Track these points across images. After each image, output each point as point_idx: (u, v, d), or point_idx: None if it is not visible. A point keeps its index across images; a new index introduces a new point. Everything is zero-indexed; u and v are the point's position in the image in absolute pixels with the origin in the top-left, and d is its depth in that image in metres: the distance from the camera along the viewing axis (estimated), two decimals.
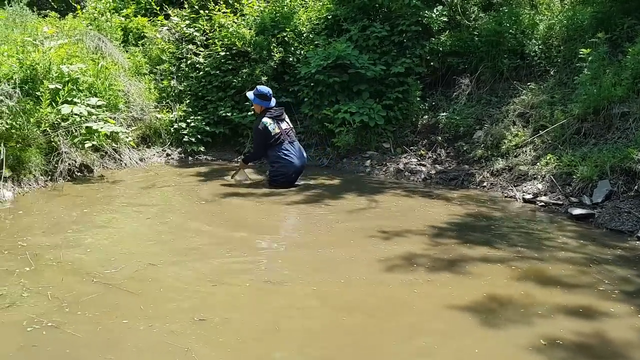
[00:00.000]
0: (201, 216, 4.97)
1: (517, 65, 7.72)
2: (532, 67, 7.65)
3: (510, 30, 7.66)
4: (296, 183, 6.30)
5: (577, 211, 5.18)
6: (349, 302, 3.22)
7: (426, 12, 7.86)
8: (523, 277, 3.65)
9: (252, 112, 7.24)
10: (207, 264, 3.74)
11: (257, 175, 6.80)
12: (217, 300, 3.20)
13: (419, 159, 7.30)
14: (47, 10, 8.91)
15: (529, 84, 7.34)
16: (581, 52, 6.46)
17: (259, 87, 6.50)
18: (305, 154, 6.54)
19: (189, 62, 8.57)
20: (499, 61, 7.70)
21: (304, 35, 8.51)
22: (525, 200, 5.76)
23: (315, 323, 2.95)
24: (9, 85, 5.55)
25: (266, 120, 6.22)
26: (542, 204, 5.60)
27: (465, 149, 7.09)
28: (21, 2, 7.73)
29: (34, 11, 8.25)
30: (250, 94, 6.47)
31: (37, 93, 5.80)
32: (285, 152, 6.20)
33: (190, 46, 8.71)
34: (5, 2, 7.70)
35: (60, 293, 3.12)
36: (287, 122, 6.45)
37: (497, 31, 7.67)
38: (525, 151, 6.45)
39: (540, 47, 7.66)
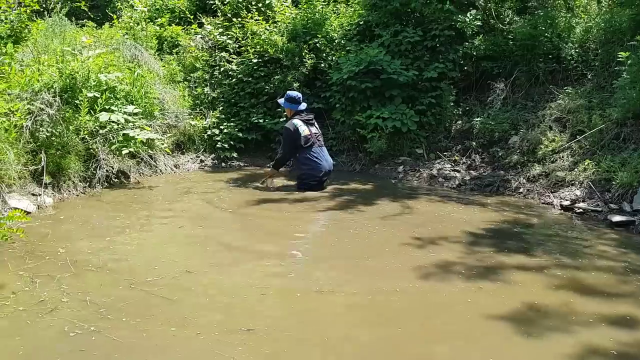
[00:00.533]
0: (235, 223, 5.02)
1: (553, 69, 7.59)
2: (569, 71, 7.50)
3: (546, 34, 7.53)
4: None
5: (617, 218, 5.05)
6: (394, 311, 3.19)
7: (459, 16, 7.79)
8: (562, 286, 3.58)
9: (284, 118, 7.29)
10: (246, 271, 3.75)
11: (286, 181, 6.82)
12: (266, 309, 3.19)
13: (453, 164, 7.22)
14: (85, 20, 9.12)
15: (565, 88, 7.19)
16: (620, 56, 6.30)
17: (289, 92, 6.66)
18: (331, 160, 6.60)
19: (222, 69, 8.69)
20: (535, 65, 7.58)
21: (336, 41, 8.54)
22: (562, 207, 5.64)
23: (364, 332, 2.93)
24: (49, 94, 5.69)
25: (296, 121, 6.30)
26: (580, 210, 5.48)
27: (500, 154, 6.99)
28: (60, 13, 7.93)
29: (72, 21, 8.46)
30: (281, 100, 6.62)
31: (76, 101, 5.93)
32: (315, 154, 6.26)
33: (223, 54, 8.83)
34: (45, 13, 7.91)
35: (99, 299, 3.17)
36: (316, 127, 6.52)
37: (532, 35, 7.55)
38: (563, 157, 6.33)
39: (577, 50, 7.51)
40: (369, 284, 3.54)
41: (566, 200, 5.72)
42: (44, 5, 7.86)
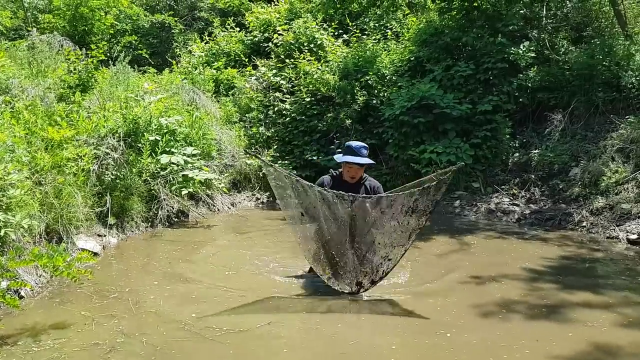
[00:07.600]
0: (296, 265, 4.81)
1: (613, 98, 7.38)
2: (630, 99, 7.29)
3: (604, 62, 7.37)
4: None
5: None
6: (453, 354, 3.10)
7: (512, 48, 7.72)
8: (632, 324, 3.41)
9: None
10: (327, 323, 3.52)
11: None
12: None
13: (511, 198, 7.05)
14: (146, 67, 9.57)
15: (627, 117, 6.97)
16: None
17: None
18: None
19: (276, 109, 8.91)
20: (593, 95, 7.40)
21: (387, 77, 8.61)
22: (630, 241, 5.40)
23: None
24: (114, 138, 5.95)
25: None
26: None
27: (561, 187, 6.79)
28: (123, 61, 8.34)
29: (134, 68, 8.90)
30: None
31: (138, 145, 6.18)
32: None
33: (277, 94, 9.06)
34: (110, 61, 8.34)
35: (155, 340, 3.18)
36: None
37: (589, 64, 7.40)
38: (627, 188, 6.08)
39: (637, 78, 7.29)
40: (425, 324, 3.45)
41: (633, 233, 5.47)
42: (108, 54, 8.30)
